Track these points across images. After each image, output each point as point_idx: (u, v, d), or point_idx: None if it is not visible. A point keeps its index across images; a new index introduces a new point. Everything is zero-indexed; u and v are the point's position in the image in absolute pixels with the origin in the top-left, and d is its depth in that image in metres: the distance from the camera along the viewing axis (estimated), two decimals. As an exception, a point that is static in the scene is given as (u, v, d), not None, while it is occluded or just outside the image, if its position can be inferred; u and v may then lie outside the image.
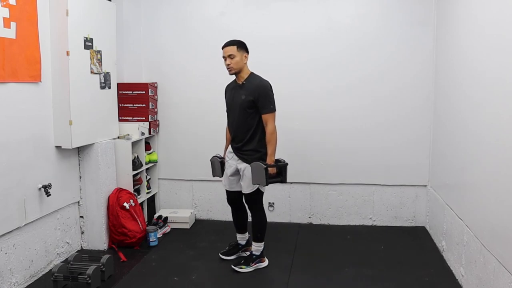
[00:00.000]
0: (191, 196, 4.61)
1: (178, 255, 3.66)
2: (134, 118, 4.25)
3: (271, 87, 3.29)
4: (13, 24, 2.88)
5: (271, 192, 4.26)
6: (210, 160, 3.60)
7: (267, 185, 3.20)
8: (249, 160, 3.26)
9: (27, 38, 3.02)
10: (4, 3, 2.80)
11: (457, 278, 3.18)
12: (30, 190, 3.11)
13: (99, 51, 3.63)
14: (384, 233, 4.16)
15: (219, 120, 3.99)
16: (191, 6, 4.38)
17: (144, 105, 4.26)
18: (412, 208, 4.30)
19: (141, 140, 4.24)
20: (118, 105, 4.07)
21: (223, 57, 3.27)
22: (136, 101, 4.24)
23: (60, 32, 3.26)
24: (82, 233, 3.77)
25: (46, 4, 3.22)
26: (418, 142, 4.20)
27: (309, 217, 4.45)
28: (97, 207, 3.71)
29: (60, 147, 3.39)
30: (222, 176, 3.54)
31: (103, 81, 3.73)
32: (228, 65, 3.25)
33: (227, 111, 3.47)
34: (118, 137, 3.98)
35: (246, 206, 3.52)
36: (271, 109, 3.24)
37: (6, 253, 2.91)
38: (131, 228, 3.77)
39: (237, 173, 3.39)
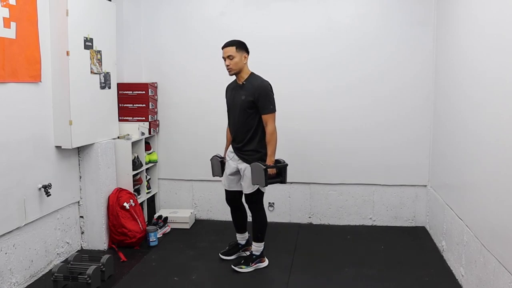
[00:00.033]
0: (191, 196, 4.61)
1: (178, 255, 3.66)
2: (134, 118, 4.25)
3: (271, 87, 3.28)
4: (13, 24, 2.88)
5: (271, 192, 4.26)
6: (210, 159, 3.60)
7: (266, 185, 3.20)
8: (250, 160, 3.26)
9: (27, 38, 3.02)
10: (4, 3, 2.80)
11: (457, 278, 3.18)
12: (30, 190, 3.11)
13: (99, 51, 3.63)
14: (384, 233, 4.16)
15: (219, 120, 4.00)
16: (191, 6, 4.38)
17: (144, 105, 4.26)
18: (412, 208, 4.30)
19: (141, 140, 4.24)
20: (118, 105, 4.07)
21: (223, 57, 3.27)
22: (136, 101, 4.24)
23: (60, 32, 3.26)
24: (82, 233, 3.77)
25: (46, 4, 3.22)
26: (418, 142, 4.20)
27: (309, 217, 4.45)
28: (97, 207, 3.71)
29: (60, 147, 3.39)
30: (222, 176, 3.54)
31: (103, 81, 3.73)
32: (228, 65, 3.25)
33: (227, 111, 3.46)
34: (118, 137, 3.98)
35: (245, 206, 3.52)
36: (271, 109, 3.24)
37: (6, 253, 2.91)
38: (131, 228, 3.77)
39: (237, 173, 3.39)
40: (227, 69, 3.27)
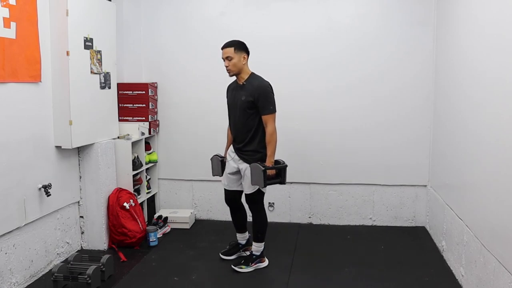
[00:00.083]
0: (191, 196, 4.61)
1: (178, 255, 3.66)
2: (134, 118, 4.25)
3: (271, 88, 3.28)
4: (13, 24, 2.88)
5: (271, 192, 4.26)
6: (211, 159, 3.60)
7: (265, 186, 3.20)
8: (250, 160, 3.26)
9: (27, 38, 3.02)
10: (4, 3, 2.80)
11: (457, 278, 3.18)
12: (30, 190, 3.11)
13: (99, 51, 3.63)
14: (384, 233, 4.16)
15: (219, 120, 4.00)
16: (191, 6, 4.38)
17: (144, 105, 4.26)
18: (412, 208, 4.30)
19: (141, 140, 4.24)
20: (118, 105, 4.07)
21: (222, 58, 3.27)
22: (136, 101, 4.24)
23: (60, 32, 3.26)
24: (82, 233, 3.77)
25: (46, 4, 3.22)
26: (418, 142, 4.20)
27: (309, 217, 4.45)
28: (97, 207, 3.71)
29: (60, 147, 3.39)
30: (221, 175, 3.54)
31: (103, 81, 3.73)
32: (227, 67, 3.25)
33: (228, 112, 3.46)
34: (118, 137, 3.98)
35: (245, 205, 3.52)
36: (271, 110, 3.23)
37: (6, 253, 2.91)
38: (131, 228, 3.77)
39: (237, 172, 3.39)
40: (226, 70, 3.27)
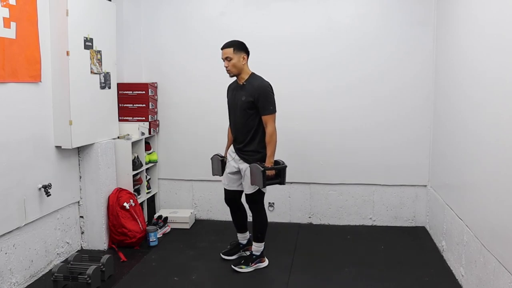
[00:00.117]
0: (191, 196, 4.61)
1: (178, 255, 3.66)
2: (134, 118, 4.25)
3: (271, 88, 3.28)
4: (13, 24, 2.88)
5: (271, 192, 4.26)
6: (211, 158, 3.60)
7: (264, 187, 3.20)
8: (250, 160, 3.26)
9: (27, 38, 3.02)
10: (4, 3, 2.80)
11: (457, 278, 3.18)
12: (30, 190, 3.11)
13: (99, 51, 3.63)
14: (384, 233, 4.16)
15: (219, 120, 4.00)
16: (191, 6, 4.38)
17: (144, 105, 4.26)
18: (412, 208, 4.30)
19: (141, 140, 4.24)
20: (118, 105, 4.07)
21: (222, 58, 3.27)
22: (136, 101, 4.24)
23: (60, 32, 3.26)
24: (82, 233, 3.77)
25: (46, 4, 3.22)
26: (418, 142, 4.20)
27: (309, 217, 4.45)
28: (97, 207, 3.71)
29: (60, 147, 3.39)
30: (221, 175, 3.54)
31: (103, 81, 3.73)
32: (226, 67, 3.25)
33: (228, 111, 3.46)
34: (118, 137, 3.98)
35: (245, 205, 3.52)
36: (271, 110, 3.23)
37: (6, 253, 2.91)
38: (131, 228, 3.77)
39: (237, 172, 3.39)
40: (226, 71, 3.27)
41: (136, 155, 4.16)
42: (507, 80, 2.41)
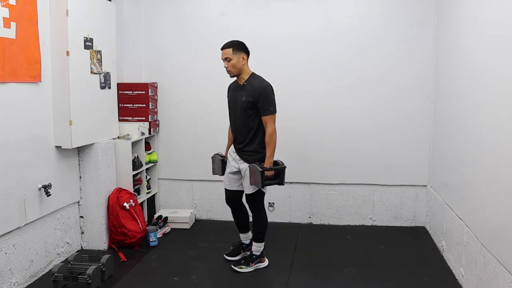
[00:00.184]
0: (191, 196, 4.61)
1: (178, 255, 3.66)
2: (134, 118, 4.25)
3: (271, 88, 3.27)
4: (13, 24, 2.88)
5: (271, 192, 4.26)
6: (212, 157, 3.60)
7: (263, 187, 3.20)
8: (250, 160, 3.26)
9: (27, 38, 3.02)
10: (4, 3, 2.80)
11: (457, 278, 3.18)
12: (30, 190, 3.11)
13: (99, 51, 3.63)
14: (384, 233, 4.16)
15: (219, 120, 4.00)
16: (191, 6, 4.38)
17: (144, 105, 4.26)
18: (412, 208, 4.30)
19: (141, 140, 4.24)
20: (118, 105, 4.07)
21: (222, 59, 3.27)
22: (136, 101, 4.24)
23: (60, 32, 3.26)
24: (82, 233, 3.77)
25: (46, 4, 3.22)
26: (418, 142, 4.20)
27: (309, 217, 4.45)
28: (97, 207, 3.71)
29: (60, 147, 3.39)
30: (221, 174, 3.54)
31: (103, 81, 3.73)
32: (226, 68, 3.25)
33: (229, 111, 3.46)
34: (118, 137, 3.98)
35: (246, 205, 3.52)
36: (271, 110, 3.22)
37: (6, 253, 2.91)
38: (131, 228, 3.77)
39: (238, 172, 3.39)
40: (226, 71, 3.27)
41: (136, 155, 4.16)
42: (507, 80, 2.40)
